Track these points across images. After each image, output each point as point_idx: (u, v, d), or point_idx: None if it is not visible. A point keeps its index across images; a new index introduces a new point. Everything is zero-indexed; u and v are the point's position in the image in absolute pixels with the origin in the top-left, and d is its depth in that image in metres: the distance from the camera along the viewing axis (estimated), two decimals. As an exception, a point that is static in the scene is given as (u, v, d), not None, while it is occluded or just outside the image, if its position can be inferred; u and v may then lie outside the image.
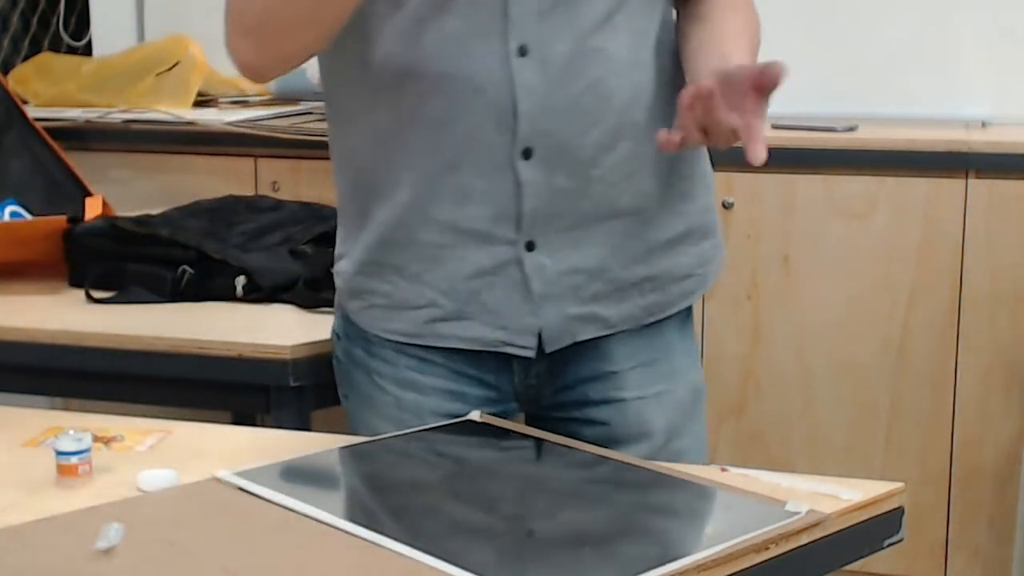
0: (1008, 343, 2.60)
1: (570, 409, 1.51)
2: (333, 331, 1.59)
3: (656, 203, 1.46)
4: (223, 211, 2.31)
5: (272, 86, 3.18)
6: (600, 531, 1.17)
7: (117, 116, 2.94)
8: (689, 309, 1.56)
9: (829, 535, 1.14)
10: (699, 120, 1.28)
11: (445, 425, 1.41)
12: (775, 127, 2.59)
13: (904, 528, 1.22)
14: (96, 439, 1.36)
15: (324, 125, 2.88)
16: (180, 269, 2.01)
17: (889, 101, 2.95)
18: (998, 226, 2.58)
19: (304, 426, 1.82)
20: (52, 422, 1.46)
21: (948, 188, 2.59)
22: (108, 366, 1.87)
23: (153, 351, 1.83)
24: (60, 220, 2.14)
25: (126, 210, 2.33)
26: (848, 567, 1.19)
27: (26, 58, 3.39)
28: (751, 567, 1.07)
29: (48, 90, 3.12)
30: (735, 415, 2.72)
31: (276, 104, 3.07)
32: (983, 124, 2.86)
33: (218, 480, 1.22)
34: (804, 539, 1.12)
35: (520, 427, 1.40)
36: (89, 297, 2.02)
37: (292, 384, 1.79)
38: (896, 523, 1.21)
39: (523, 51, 1.36)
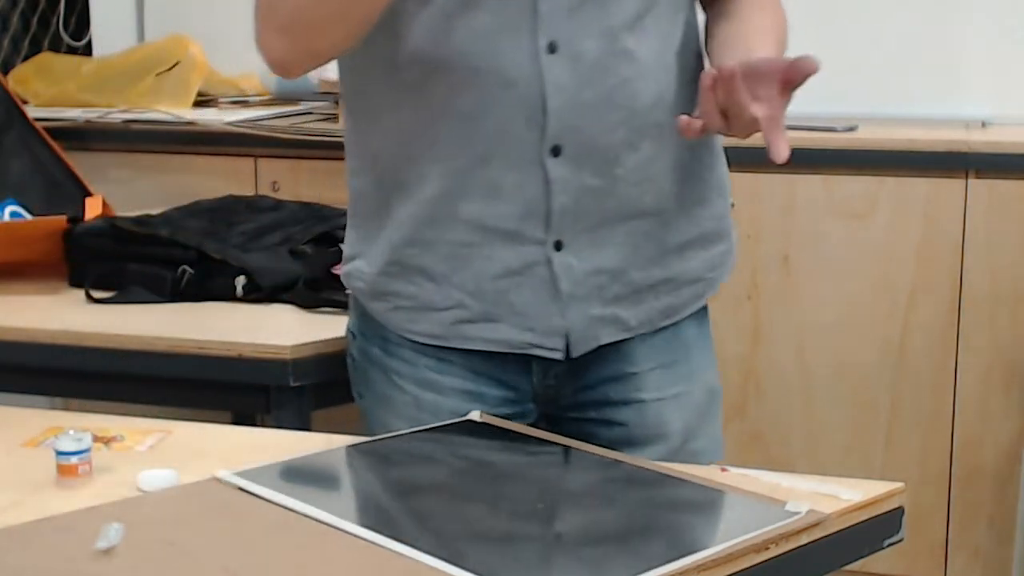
0: (1008, 343, 2.60)
1: (588, 409, 1.51)
2: (348, 330, 1.59)
3: (674, 205, 1.46)
4: (223, 211, 2.31)
5: (272, 86, 3.18)
6: (599, 531, 1.17)
7: (117, 116, 2.94)
8: (705, 307, 1.56)
9: (829, 535, 1.14)
10: (721, 104, 1.28)
11: (445, 425, 1.41)
12: (775, 127, 2.59)
13: (904, 528, 1.22)
14: (96, 439, 1.36)
15: (324, 125, 2.91)
16: (180, 269, 2.01)
17: (889, 101, 2.95)
18: (998, 226, 2.58)
19: (304, 426, 1.82)
20: (52, 422, 1.46)
21: (948, 188, 2.59)
22: (108, 366, 1.87)
23: (153, 351, 1.83)
24: (60, 220, 2.14)
25: (126, 210, 2.33)
26: (848, 567, 1.19)
27: (26, 58, 3.39)
28: (751, 567, 1.07)
29: (48, 90, 3.12)
30: (735, 415, 2.72)
31: (276, 104, 3.07)
32: (983, 124, 2.85)
33: (218, 480, 1.22)
34: (804, 539, 1.12)
35: (520, 427, 1.40)
36: (89, 297, 2.02)
37: (292, 384, 1.79)
38: (896, 523, 1.21)
39: (552, 48, 1.36)
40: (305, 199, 2.46)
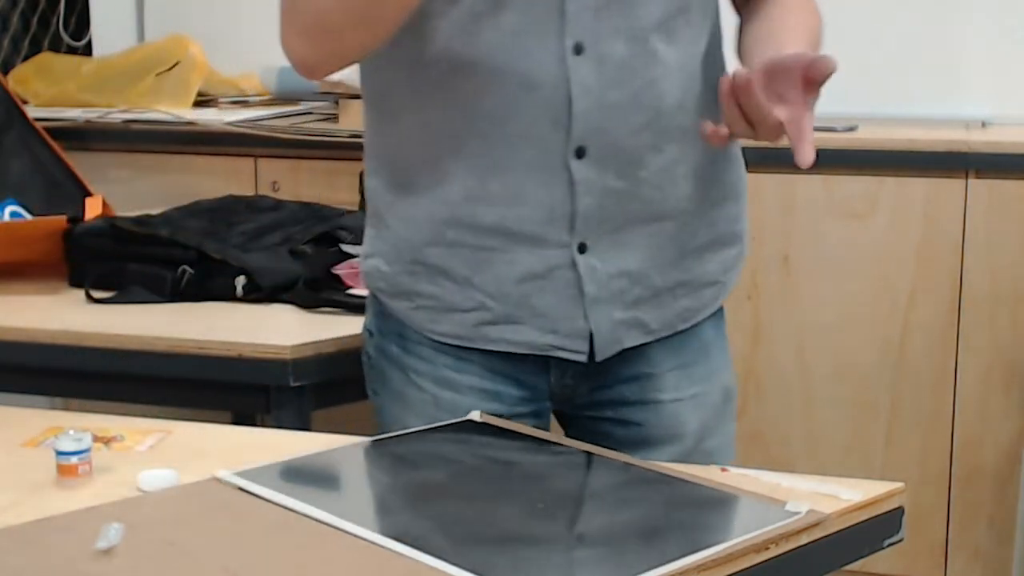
0: (1008, 343, 2.60)
1: (604, 409, 1.51)
2: (364, 328, 1.58)
3: (694, 208, 1.46)
4: (223, 211, 2.31)
5: (272, 86, 3.18)
6: (599, 531, 1.17)
7: (117, 116, 2.94)
8: (721, 309, 1.56)
9: (829, 535, 1.14)
10: (742, 109, 1.27)
11: (445, 425, 1.41)
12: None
13: (904, 528, 1.22)
14: (96, 439, 1.36)
15: (324, 125, 2.91)
16: (180, 269, 2.01)
17: (889, 101, 2.95)
18: (998, 226, 2.58)
19: (304, 426, 1.82)
20: (52, 422, 1.46)
21: (948, 188, 2.59)
22: (108, 366, 1.87)
23: (153, 351, 1.83)
24: (60, 220, 2.14)
25: (126, 210, 2.33)
26: (848, 567, 1.19)
27: (26, 58, 3.39)
28: (751, 567, 1.07)
29: (48, 90, 3.12)
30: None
31: (276, 104, 3.07)
32: (983, 124, 2.86)
33: (218, 480, 1.22)
34: (804, 539, 1.12)
35: (520, 427, 1.40)
36: (89, 297, 2.02)
37: (292, 384, 1.79)
38: (896, 523, 1.21)
39: (579, 49, 1.35)
40: (305, 199, 2.46)
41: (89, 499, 1.20)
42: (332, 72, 1.42)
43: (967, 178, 2.58)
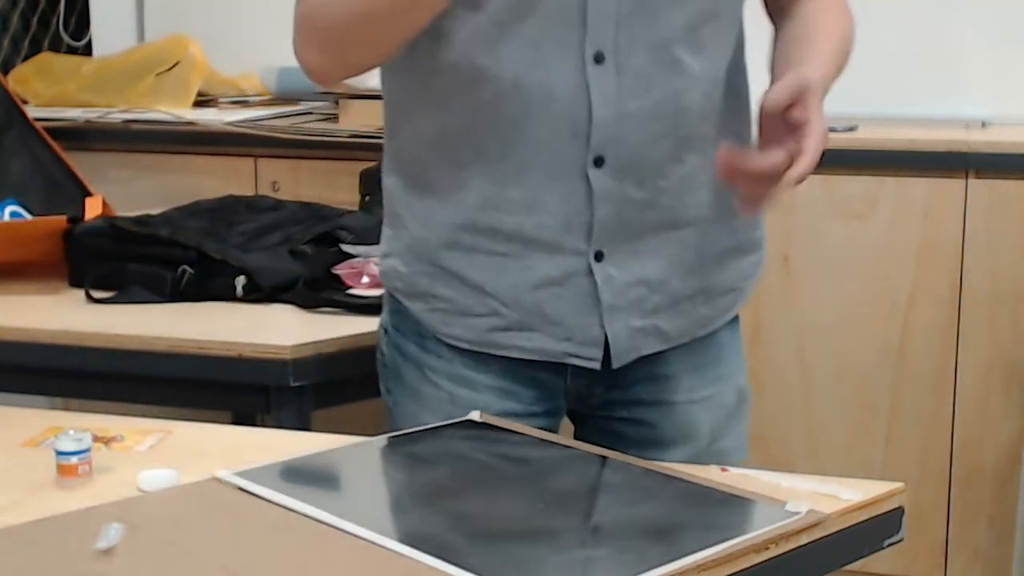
0: (1008, 343, 2.60)
1: (618, 409, 1.51)
2: (380, 326, 1.57)
3: (714, 215, 1.46)
4: (223, 211, 2.31)
5: (272, 86, 3.18)
6: (599, 531, 1.17)
7: (117, 116, 2.94)
8: (737, 314, 1.56)
9: (829, 535, 1.14)
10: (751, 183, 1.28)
11: (445, 425, 1.41)
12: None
13: (904, 528, 1.22)
14: (96, 439, 1.36)
15: (324, 125, 2.91)
16: (180, 269, 2.01)
17: (889, 101, 2.95)
18: (998, 226, 2.58)
19: (304, 426, 1.82)
20: (52, 422, 1.46)
21: (948, 188, 2.59)
22: (108, 366, 1.87)
23: (153, 351, 1.83)
24: (60, 220, 2.14)
25: (126, 210, 2.33)
26: (848, 567, 1.19)
27: (26, 58, 3.39)
28: (751, 567, 1.07)
29: (48, 90, 3.12)
30: (735, 415, 2.72)
31: (276, 104, 3.07)
32: (983, 124, 2.86)
33: (218, 480, 1.22)
34: (804, 539, 1.12)
35: (520, 427, 1.40)
36: (89, 297, 2.02)
37: (292, 384, 1.79)
38: (896, 523, 1.21)
39: (599, 58, 1.34)
40: (305, 199, 2.46)
41: (89, 499, 1.20)
42: (347, 79, 1.43)
43: (967, 178, 2.59)
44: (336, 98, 2.84)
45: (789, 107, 1.27)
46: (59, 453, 1.27)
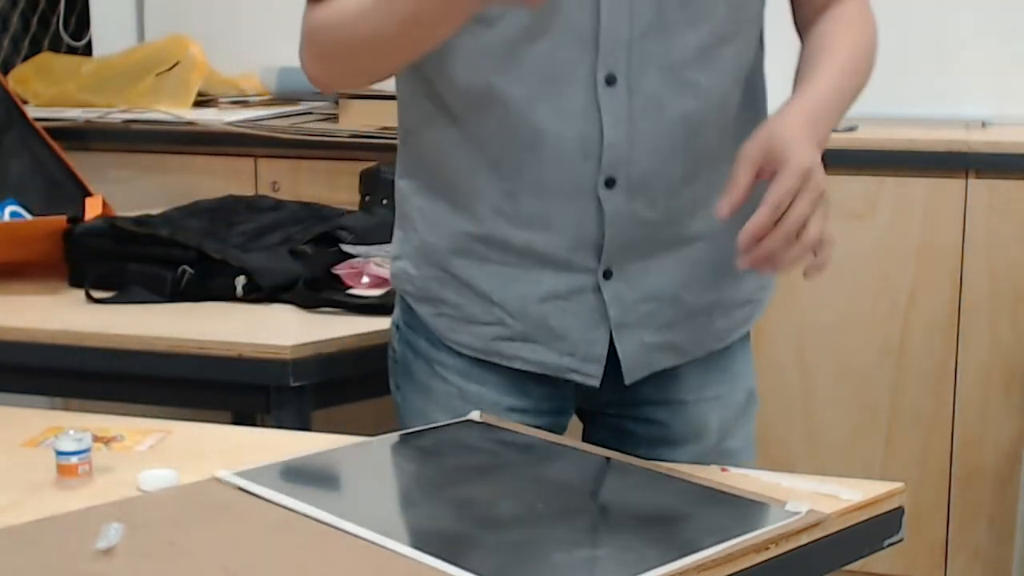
0: (1008, 343, 2.60)
1: (627, 407, 1.51)
2: (392, 323, 1.58)
3: (727, 227, 1.45)
4: (223, 211, 2.31)
5: (272, 86, 3.18)
6: (599, 531, 1.17)
7: (117, 116, 2.94)
8: None
9: (829, 535, 1.14)
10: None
11: (445, 425, 1.41)
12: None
13: (904, 528, 1.22)
14: (96, 439, 1.36)
15: (324, 125, 2.91)
16: (180, 269, 2.01)
17: (889, 101, 2.95)
18: (998, 226, 2.58)
19: (304, 426, 1.82)
20: (52, 422, 1.46)
21: (948, 188, 2.59)
22: (108, 366, 1.87)
23: (153, 351, 1.83)
24: (60, 220, 2.14)
25: (126, 210, 2.33)
26: (848, 567, 1.19)
27: (26, 58, 3.39)
28: (751, 567, 1.07)
29: (48, 90, 3.12)
30: (735, 415, 2.72)
31: (276, 104, 3.07)
32: (983, 124, 2.86)
33: (218, 480, 1.22)
34: (804, 539, 1.12)
35: (519, 427, 1.40)
36: (89, 297, 2.02)
37: (292, 384, 1.79)
38: (896, 523, 1.21)
39: (610, 80, 1.34)
40: (305, 199, 2.46)
41: (89, 499, 1.20)
42: (351, 90, 1.44)
43: (967, 178, 2.58)
44: (336, 98, 2.84)
45: (761, 168, 1.27)
46: (59, 453, 1.27)
